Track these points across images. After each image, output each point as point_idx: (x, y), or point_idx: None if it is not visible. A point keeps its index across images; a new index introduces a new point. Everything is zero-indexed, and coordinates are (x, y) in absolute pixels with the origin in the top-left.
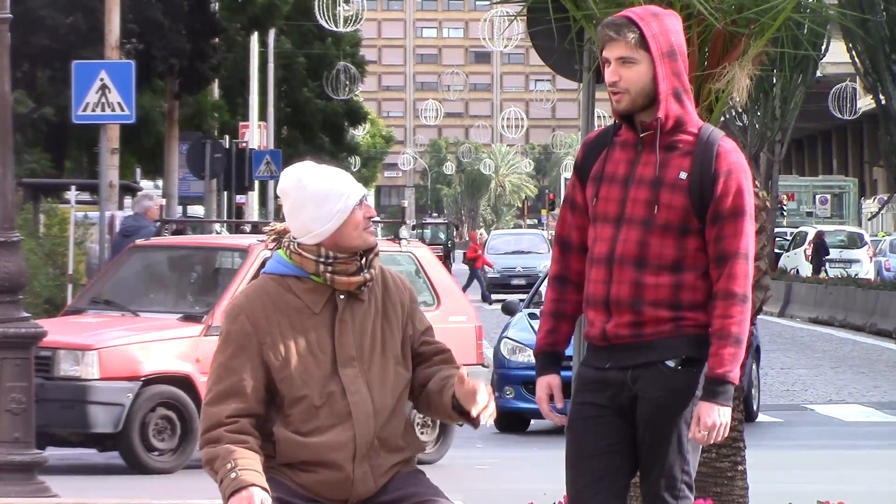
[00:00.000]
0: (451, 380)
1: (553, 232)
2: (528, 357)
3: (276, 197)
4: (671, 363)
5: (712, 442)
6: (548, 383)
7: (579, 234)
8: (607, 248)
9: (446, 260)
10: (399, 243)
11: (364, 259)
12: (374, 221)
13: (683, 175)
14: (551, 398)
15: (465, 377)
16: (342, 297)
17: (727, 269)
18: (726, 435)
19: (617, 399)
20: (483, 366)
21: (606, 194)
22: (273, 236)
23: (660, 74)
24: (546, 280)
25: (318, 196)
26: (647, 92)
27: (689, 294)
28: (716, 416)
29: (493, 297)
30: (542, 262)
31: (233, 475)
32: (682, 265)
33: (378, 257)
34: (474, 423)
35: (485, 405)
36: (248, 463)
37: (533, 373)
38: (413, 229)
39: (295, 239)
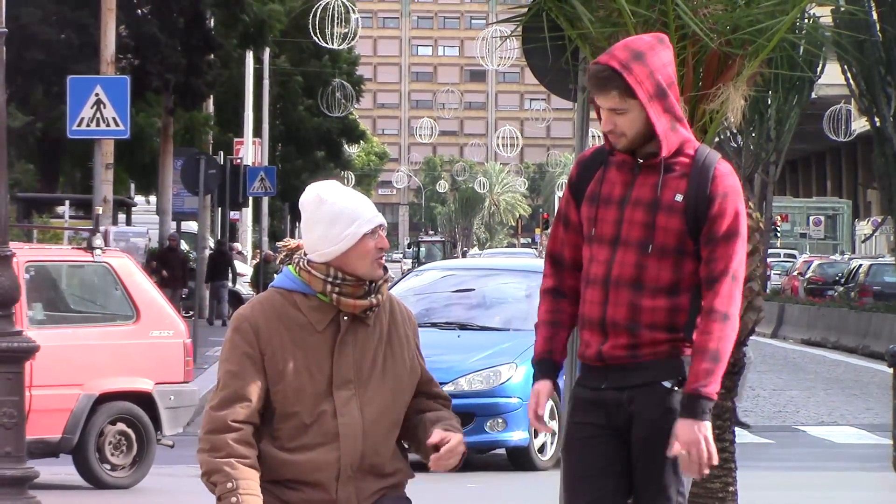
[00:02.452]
0: (442, 423)
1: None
2: None
3: (271, 213)
4: (667, 384)
5: (705, 462)
6: (538, 390)
7: (571, 252)
8: (603, 270)
9: None
10: (91, 253)
11: (372, 284)
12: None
13: (679, 197)
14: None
15: (445, 433)
16: (346, 318)
17: (714, 289)
18: (713, 451)
19: (613, 419)
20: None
21: (603, 216)
22: (285, 252)
23: (653, 117)
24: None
25: (331, 217)
26: (644, 132)
27: (686, 316)
28: (694, 432)
29: None
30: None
31: (233, 499)
32: (678, 288)
33: (387, 284)
34: (428, 461)
35: (441, 456)
36: (249, 485)
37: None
38: (408, 247)
39: (306, 255)
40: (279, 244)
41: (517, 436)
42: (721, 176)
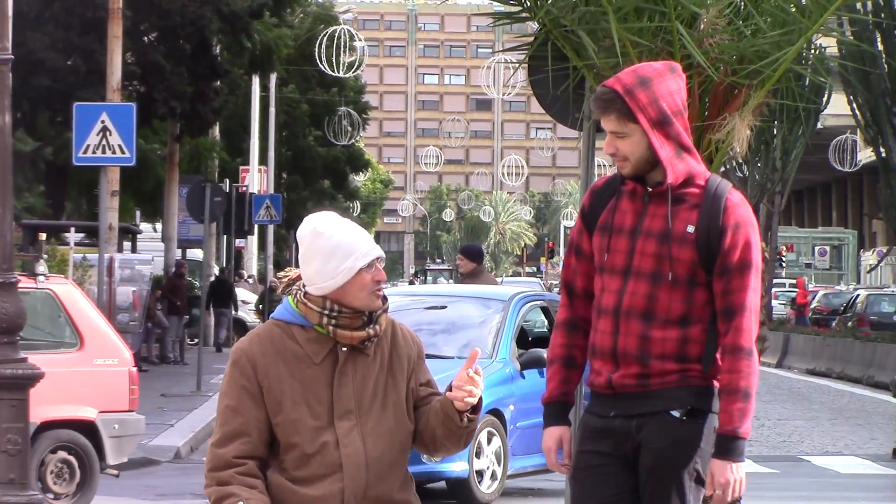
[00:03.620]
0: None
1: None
2: None
3: (276, 241)
4: (676, 413)
5: (729, 499)
6: (560, 435)
7: (583, 281)
8: (615, 300)
9: None
10: (35, 279)
11: (370, 315)
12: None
13: (691, 228)
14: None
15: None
16: (344, 349)
17: (734, 323)
18: (744, 490)
19: (621, 448)
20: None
21: (614, 246)
22: (286, 282)
23: (655, 143)
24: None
25: (327, 251)
26: (646, 158)
27: (698, 347)
28: (729, 474)
29: None
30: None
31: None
32: (689, 318)
33: (386, 314)
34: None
35: (470, 393)
36: (258, 495)
37: None
38: (415, 275)
39: (304, 287)
40: (279, 274)
41: (457, 467)
42: (733, 206)
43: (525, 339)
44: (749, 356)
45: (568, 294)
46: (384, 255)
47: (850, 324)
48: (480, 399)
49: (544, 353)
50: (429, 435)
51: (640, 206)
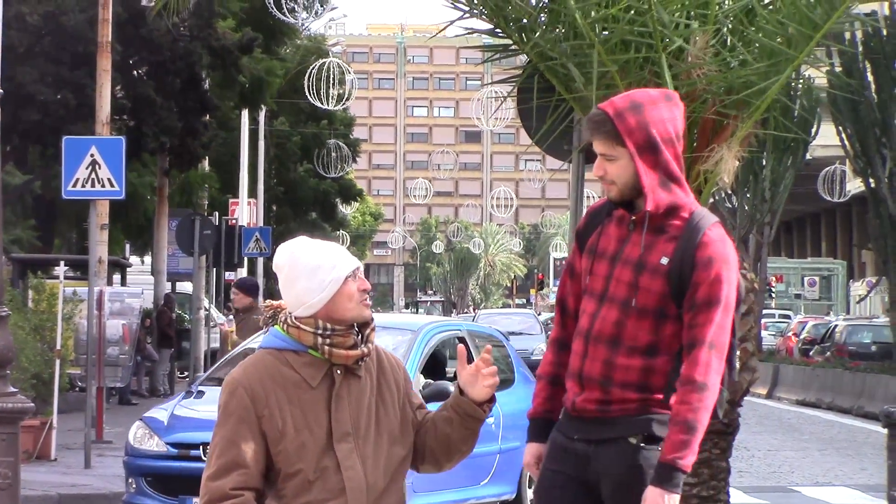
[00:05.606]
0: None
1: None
2: (156, 445)
3: (266, 274)
4: (633, 440)
5: None
6: (539, 452)
7: (574, 301)
8: (588, 324)
9: None
10: None
11: (360, 334)
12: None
13: (665, 260)
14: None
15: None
16: (339, 371)
17: (692, 356)
18: None
19: (582, 472)
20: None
21: (596, 270)
22: (270, 312)
23: (640, 169)
24: None
25: (310, 267)
26: (633, 184)
27: (660, 378)
28: (660, 501)
29: None
30: (537, 343)
31: None
32: (656, 349)
33: (374, 332)
34: (480, 404)
35: (487, 384)
36: None
37: (160, 464)
38: (406, 307)
39: (291, 314)
40: (261, 305)
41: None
42: (709, 242)
43: (442, 369)
44: (701, 390)
45: (561, 312)
46: (362, 266)
47: (828, 353)
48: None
49: (451, 386)
50: (441, 444)
51: (624, 233)
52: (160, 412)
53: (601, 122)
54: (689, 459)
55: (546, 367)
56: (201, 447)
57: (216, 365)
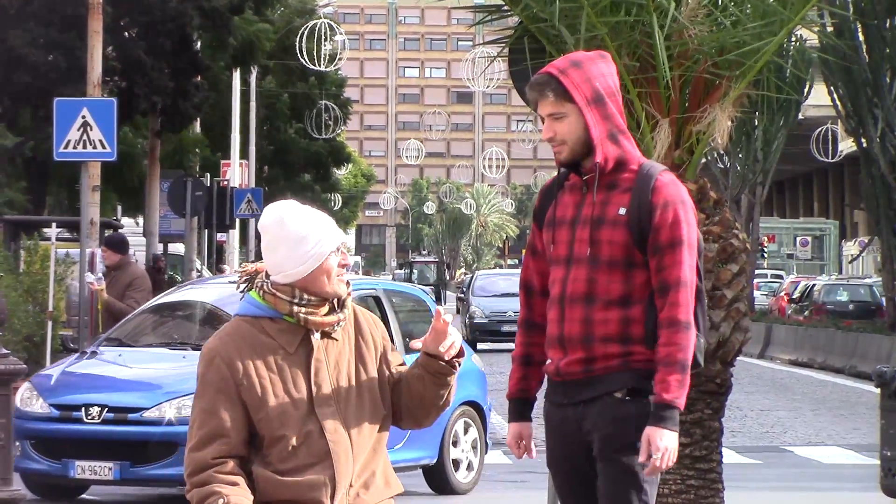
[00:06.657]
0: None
1: None
2: (40, 407)
3: (257, 235)
4: (618, 395)
5: (662, 468)
6: (519, 432)
7: (540, 279)
8: (559, 289)
9: (437, 301)
10: None
11: (337, 301)
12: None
13: (623, 211)
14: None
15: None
16: (316, 336)
17: (670, 298)
18: (674, 461)
19: (577, 435)
20: None
21: (558, 237)
22: (245, 277)
23: (590, 122)
24: None
25: (296, 237)
26: (583, 140)
27: (639, 327)
28: (663, 441)
29: (480, 345)
30: None
31: (221, 501)
32: (630, 299)
33: (350, 297)
34: (444, 362)
35: (451, 343)
36: (239, 491)
37: (43, 426)
38: (399, 267)
39: (268, 279)
40: (237, 269)
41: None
42: (662, 186)
43: None
44: (686, 329)
45: (526, 293)
46: (347, 241)
47: (806, 312)
48: (462, 347)
49: None
50: (415, 402)
51: (578, 198)
52: (50, 372)
53: (546, 82)
54: (683, 398)
55: (517, 349)
56: (83, 409)
57: (115, 327)
